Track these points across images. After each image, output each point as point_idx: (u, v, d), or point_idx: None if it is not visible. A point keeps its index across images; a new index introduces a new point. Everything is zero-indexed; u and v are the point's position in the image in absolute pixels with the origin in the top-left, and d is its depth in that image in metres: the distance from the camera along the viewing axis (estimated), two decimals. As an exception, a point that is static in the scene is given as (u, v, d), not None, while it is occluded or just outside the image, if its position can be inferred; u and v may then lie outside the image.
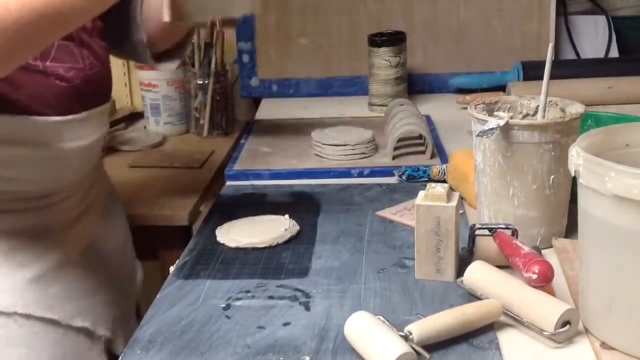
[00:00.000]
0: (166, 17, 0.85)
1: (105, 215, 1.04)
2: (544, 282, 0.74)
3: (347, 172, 1.17)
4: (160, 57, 1.05)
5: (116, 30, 1.01)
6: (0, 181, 0.85)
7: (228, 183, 1.16)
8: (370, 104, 1.55)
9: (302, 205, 0.99)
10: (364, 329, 0.69)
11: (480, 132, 0.83)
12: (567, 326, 0.70)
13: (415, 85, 1.63)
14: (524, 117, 0.92)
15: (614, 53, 1.66)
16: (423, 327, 0.69)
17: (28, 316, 0.88)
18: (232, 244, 0.92)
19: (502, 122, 0.82)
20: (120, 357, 0.70)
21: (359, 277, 0.84)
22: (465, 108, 0.92)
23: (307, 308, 0.78)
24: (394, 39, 1.51)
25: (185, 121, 1.58)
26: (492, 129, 0.82)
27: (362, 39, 1.56)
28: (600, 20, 1.67)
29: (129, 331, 1.03)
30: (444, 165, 1.10)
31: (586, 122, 1.00)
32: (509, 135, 0.84)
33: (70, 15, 0.77)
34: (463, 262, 0.82)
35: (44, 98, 0.86)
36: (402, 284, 0.81)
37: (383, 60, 1.50)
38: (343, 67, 1.66)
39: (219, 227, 0.96)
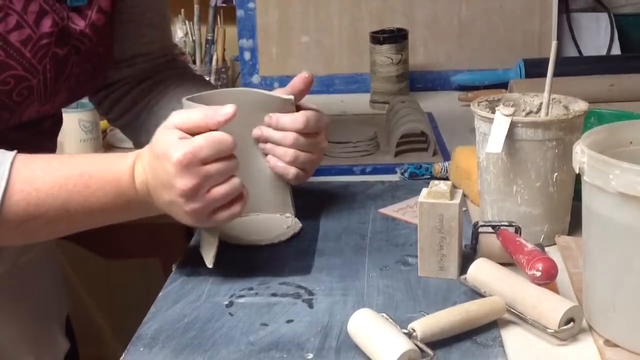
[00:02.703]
0: (209, 264, 0.83)
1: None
2: (548, 279, 0.74)
3: (349, 169, 1.16)
4: None
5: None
6: None
7: (230, 180, 1.15)
8: (372, 102, 1.55)
9: (304, 203, 0.99)
10: (367, 326, 0.68)
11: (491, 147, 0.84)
12: (571, 323, 0.70)
13: (417, 83, 1.63)
14: (527, 114, 0.92)
15: (616, 50, 1.65)
16: (426, 324, 0.68)
17: None
18: (234, 241, 0.92)
19: (506, 124, 0.82)
20: (123, 354, 0.70)
21: (362, 274, 0.83)
22: (468, 105, 0.92)
23: (310, 305, 0.77)
24: (396, 36, 1.51)
25: (186, 118, 1.58)
26: (500, 135, 0.82)
27: (364, 36, 1.56)
28: (603, 18, 1.67)
29: (58, 351, 1.01)
30: (447, 163, 1.10)
31: (589, 119, 0.99)
32: (512, 132, 0.84)
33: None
34: (466, 259, 0.82)
35: None
36: (405, 282, 0.81)
37: (385, 57, 1.50)
38: (344, 64, 1.66)
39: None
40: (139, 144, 1.01)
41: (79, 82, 0.87)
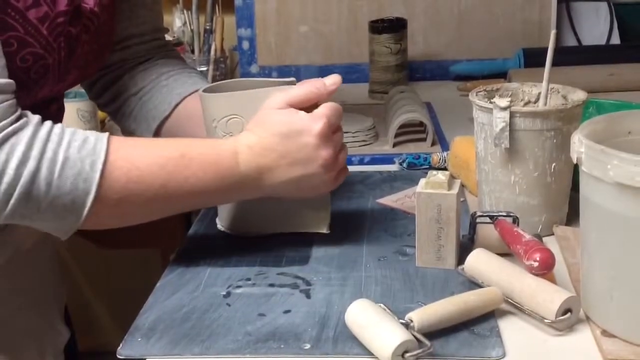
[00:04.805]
0: (327, 230, 0.89)
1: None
2: (545, 269, 0.74)
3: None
4: None
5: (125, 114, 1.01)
6: None
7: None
8: (371, 91, 1.54)
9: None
10: (364, 316, 0.68)
11: (495, 140, 0.83)
12: (568, 314, 0.70)
13: (416, 73, 1.63)
14: (526, 104, 0.91)
15: (616, 40, 1.65)
16: (424, 314, 0.68)
17: None
18: (231, 231, 0.92)
19: (506, 116, 0.82)
20: (120, 345, 0.70)
21: (360, 264, 0.83)
22: (467, 95, 0.91)
23: (308, 296, 0.77)
24: (395, 26, 1.50)
25: (185, 108, 1.58)
26: (502, 129, 0.82)
27: (363, 25, 1.55)
28: (602, 7, 1.66)
29: (58, 339, 1.01)
30: (445, 153, 1.10)
31: (588, 109, 0.99)
32: (511, 122, 0.83)
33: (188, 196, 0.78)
34: (464, 249, 0.82)
35: None
36: (403, 272, 0.81)
37: (384, 47, 1.50)
38: (343, 54, 1.65)
39: (219, 214, 0.95)
40: (127, 131, 1.01)
41: (88, 61, 0.88)
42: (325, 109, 0.80)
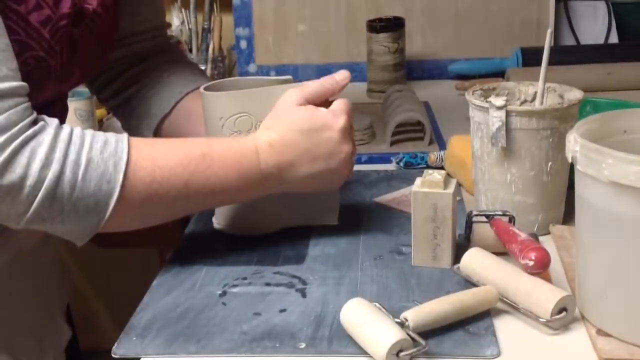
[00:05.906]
0: (337, 221, 0.92)
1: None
2: (541, 268, 0.74)
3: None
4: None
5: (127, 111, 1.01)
6: None
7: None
8: (369, 91, 1.54)
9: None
10: (360, 315, 0.68)
11: (492, 140, 0.83)
12: (564, 313, 0.70)
13: (413, 72, 1.62)
14: (522, 103, 0.91)
15: (614, 39, 1.65)
16: (419, 313, 0.68)
17: None
18: (229, 230, 0.92)
19: (502, 116, 0.82)
20: (115, 344, 0.70)
21: (356, 264, 0.83)
22: (464, 94, 0.91)
23: (304, 295, 0.77)
24: (393, 25, 1.50)
25: (183, 107, 1.57)
26: (499, 128, 0.82)
27: (361, 24, 1.55)
28: (600, 6, 1.66)
29: (60, 339, 1.01)
30: (442, 152, 1.10)
31: (585, 108, 0.99)
32: (507, 121, 0.83)
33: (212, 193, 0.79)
34: (460, 248, 0.81)
35: None
36: (398, 271, 0.81)
37: (381, 46, 1.50)
38: (341, 53, 1.65)
39: (215, 213, 0.95)
40: (129, 127, 1.01)
41: (90, 61, 0.88)
42: (343, 105, 0.82)
